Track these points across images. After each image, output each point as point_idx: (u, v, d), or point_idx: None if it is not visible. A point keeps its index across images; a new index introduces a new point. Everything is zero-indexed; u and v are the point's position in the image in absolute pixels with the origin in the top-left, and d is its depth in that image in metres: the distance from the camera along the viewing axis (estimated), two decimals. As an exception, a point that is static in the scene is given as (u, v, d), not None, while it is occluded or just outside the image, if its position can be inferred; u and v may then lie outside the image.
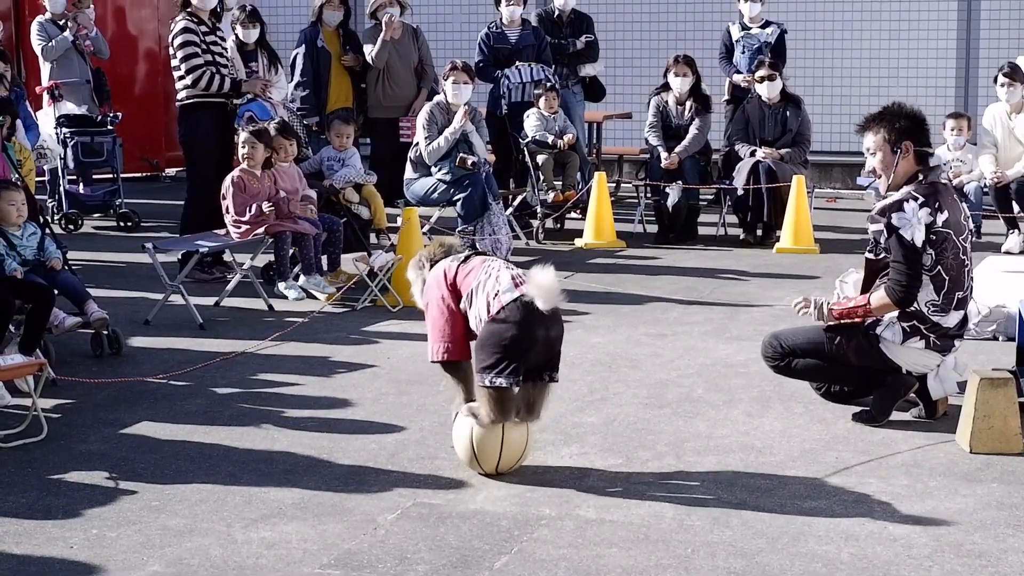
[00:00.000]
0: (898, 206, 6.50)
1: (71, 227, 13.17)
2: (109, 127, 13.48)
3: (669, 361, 7.98)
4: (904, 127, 6.63)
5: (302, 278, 9.58)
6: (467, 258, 6.11)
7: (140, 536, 5.27)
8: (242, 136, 9.77)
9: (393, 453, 6.26)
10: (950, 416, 6.61)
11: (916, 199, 6.48)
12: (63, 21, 14.02)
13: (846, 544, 5.11)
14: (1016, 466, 5.99)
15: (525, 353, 5.71)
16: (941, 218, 6.48)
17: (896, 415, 6.69)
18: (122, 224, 13.43)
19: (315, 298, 9.59)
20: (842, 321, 6.70)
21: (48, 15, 14.09)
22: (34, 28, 14.04)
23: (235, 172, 9.69)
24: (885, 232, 6.53)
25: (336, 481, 5.88)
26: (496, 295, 5.78)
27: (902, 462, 6.08)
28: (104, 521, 5.43)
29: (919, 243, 6.46)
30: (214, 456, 6.27)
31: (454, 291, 5.99)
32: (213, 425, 6.77)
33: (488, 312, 5.79)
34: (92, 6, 14.66)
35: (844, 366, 6.77)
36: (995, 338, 8.36)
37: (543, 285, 5.66)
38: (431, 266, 6.19)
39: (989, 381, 6.19)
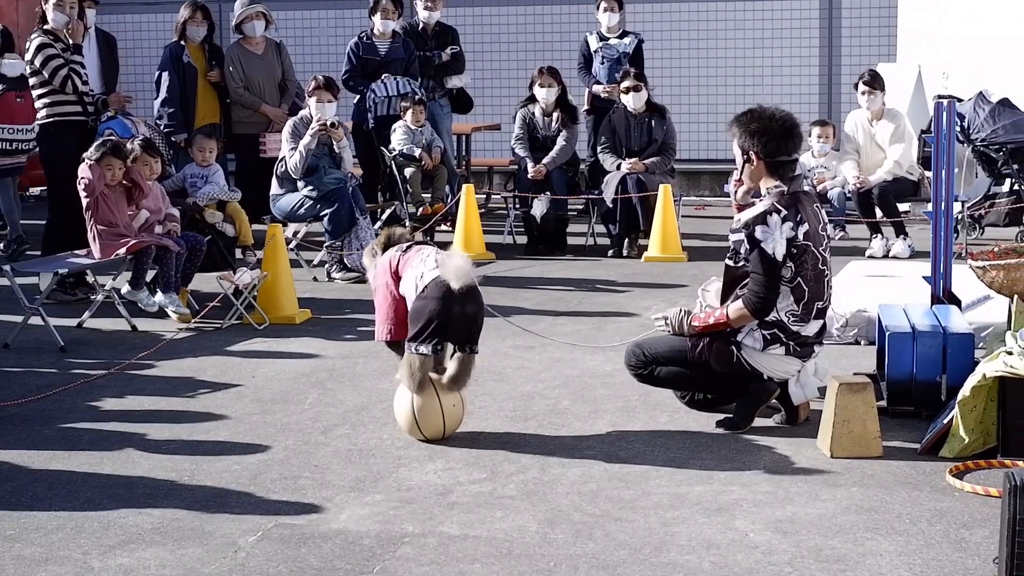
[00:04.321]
0: (762, 219, 6.52)
1: None
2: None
3: (536, 374, 7.98)
4: (754, 133, 6.65)
5: (160, 295, 9.44)
6: (408, 247, 6.83)
7: (-7, 567, 5.15)
8: (96, 154, 9.50)
9: (256, 474, 6.19)
10: (811, 421, 6.69)
11: (779, 212, 6.51)
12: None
13: (708, 552, 5.14)
14: (875, 469, 6.07)
15: (442, 326, 6.41)
16: (802, 230, 6.51)
17: (759, 421, 6.75)
18: None
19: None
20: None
21: None
22: None
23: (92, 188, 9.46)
24: (746, 242, 6.58)
25: (197, 504, 5.79)
26: (422, 276, 6.52)
27: (764, 468, 6.13)
28: (-44, 553, 5.30)
29: (779, 257, 6.50)
30: (73, 482, 6.14)
31: (396, 278, 6.73)
32: (73, 450, 6.63)
33: (415, 291, 6.52)
34: None
35: (706, 373, 6.80)
36: (856, 342, 8.47)
37: (454, 266, 6.41)
38: (382, 253, 6.96)
39: (848, 386, 6.26)
